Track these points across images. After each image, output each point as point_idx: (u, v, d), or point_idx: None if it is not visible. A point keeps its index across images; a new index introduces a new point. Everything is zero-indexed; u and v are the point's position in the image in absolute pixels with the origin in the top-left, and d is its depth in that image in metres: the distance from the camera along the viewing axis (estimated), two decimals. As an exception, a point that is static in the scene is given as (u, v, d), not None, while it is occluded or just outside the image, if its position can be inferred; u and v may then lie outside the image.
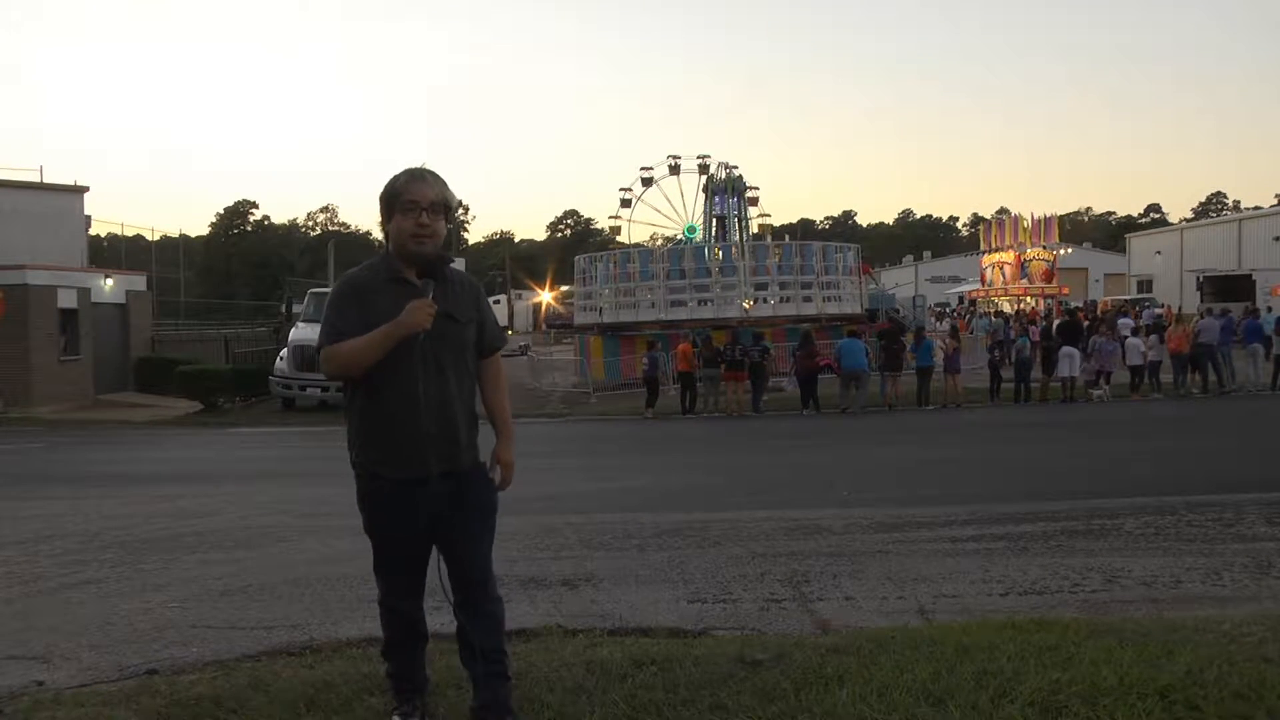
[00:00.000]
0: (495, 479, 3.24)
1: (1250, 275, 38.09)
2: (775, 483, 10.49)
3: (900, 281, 63.36)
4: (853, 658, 3.69)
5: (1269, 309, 25.59)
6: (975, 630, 4.09)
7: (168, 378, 24.25)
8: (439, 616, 3.47)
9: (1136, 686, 3.25)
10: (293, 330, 22.48)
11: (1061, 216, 54.35)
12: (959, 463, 11.61)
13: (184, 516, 8.50)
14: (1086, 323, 24.52)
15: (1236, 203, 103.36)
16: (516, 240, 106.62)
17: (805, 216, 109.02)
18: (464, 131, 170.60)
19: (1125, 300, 43.08)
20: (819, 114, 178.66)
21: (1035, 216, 47.91)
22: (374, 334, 2.97)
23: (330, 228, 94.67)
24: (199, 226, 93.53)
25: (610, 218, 42.21)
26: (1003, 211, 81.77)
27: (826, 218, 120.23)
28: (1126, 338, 21.04)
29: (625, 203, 40.65)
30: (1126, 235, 72.56)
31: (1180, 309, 35.28)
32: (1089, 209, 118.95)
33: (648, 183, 40.41)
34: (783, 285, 27.24)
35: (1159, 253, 58.71)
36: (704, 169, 38.79)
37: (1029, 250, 46.47)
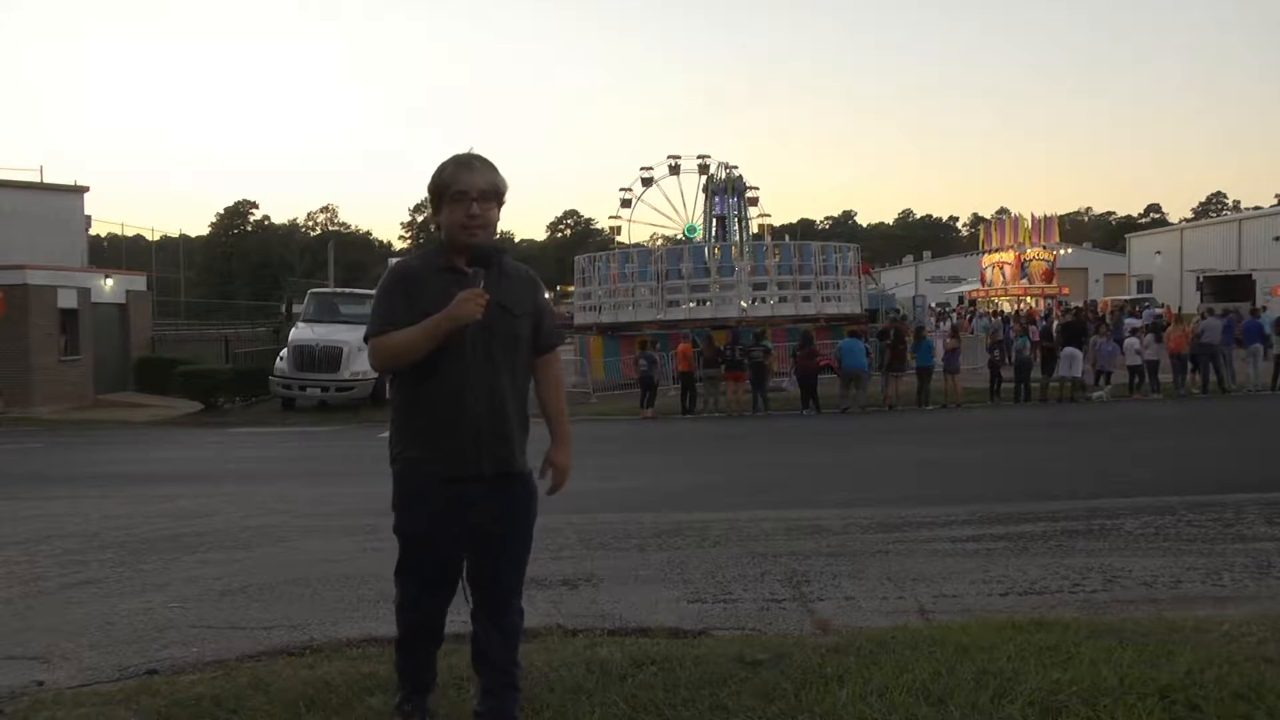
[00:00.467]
0: (547, 482, 3.10)
1: (1250, 275, 38.13)
2: (775, 483, 10.49)
3: (900, 281, 63.31)
4: (853, 658, 3.69)
5: (1264, 308, 25.57)
6: (975, 630, 4.09)
7: (168, 378, 24.20)
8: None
9: (1136, 686, 3.25)
10: (293, 330, 22.46)
11: (1061, 216, 54.55)
12: (959, 463, 11.61)
13: (184, 516, 8.49)
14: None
15: (1236, 203, 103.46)
16: (517, 240, 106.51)
17: (805, 216, 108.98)
18: (464, 132, 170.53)
19: (1126, 300, 43.10)
20: (819, 114, 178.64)
21: (1035, 216, 48.06)
22: (423, 325, 2.84)
23: (330, 228, 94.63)
24: (199, 226, 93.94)
25: (610, 218, 42.35)
26: (1003, 211, 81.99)
27: (826, 218, 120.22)
28: (1126, 338, 21.05)
29: (625, 203, 40.73)
30: (1126, 235, 72.65)
31: (1180, 309, 35.32)
32: (1089, 209, 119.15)
33: (648, 183, 40.50)
34: (782, 285, 27.25)
35: (1159, 253, 58.77)
36: (704, 169, 38.86)
37: (1029, 250, 46.58)
